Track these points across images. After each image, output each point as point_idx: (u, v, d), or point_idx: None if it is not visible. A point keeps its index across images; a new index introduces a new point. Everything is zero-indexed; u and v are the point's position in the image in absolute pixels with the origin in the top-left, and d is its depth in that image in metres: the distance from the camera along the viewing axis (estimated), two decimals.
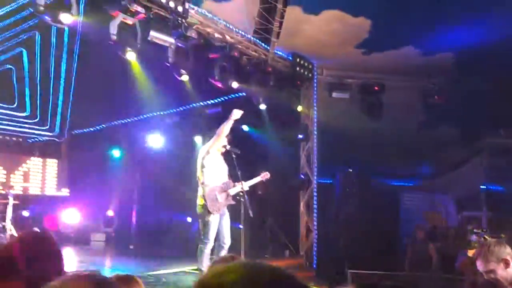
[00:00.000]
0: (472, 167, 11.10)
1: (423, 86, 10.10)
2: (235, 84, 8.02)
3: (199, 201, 6.20)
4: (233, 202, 6.44)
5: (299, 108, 10.03)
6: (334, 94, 10.00)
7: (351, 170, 10.51)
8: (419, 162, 11.56)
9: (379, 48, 8.75)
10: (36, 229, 10.61)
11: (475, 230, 7.52)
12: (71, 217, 12.38)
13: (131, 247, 10.18)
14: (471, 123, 9.90)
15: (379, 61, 9.25)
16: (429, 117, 10.34)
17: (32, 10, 5.66)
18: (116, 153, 12.67)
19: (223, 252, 6.07)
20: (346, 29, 8.18)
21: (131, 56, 6.67)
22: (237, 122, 10.68)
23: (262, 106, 9.19)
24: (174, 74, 7.13)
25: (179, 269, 7.92)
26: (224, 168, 6.46)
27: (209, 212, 6.04)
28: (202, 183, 6.20)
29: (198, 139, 10.90)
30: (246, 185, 6.46)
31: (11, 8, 6.83)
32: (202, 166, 6.23)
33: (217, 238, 6.16)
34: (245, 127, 10.74)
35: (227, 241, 6.23)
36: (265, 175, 6.86)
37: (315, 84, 9.86)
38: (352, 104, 10.15)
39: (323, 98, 10.00)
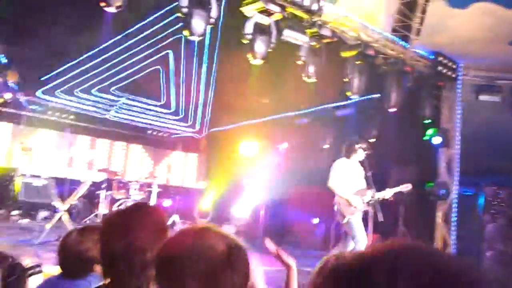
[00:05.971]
0: None
1: None
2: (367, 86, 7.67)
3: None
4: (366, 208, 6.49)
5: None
6: (482, 97, 9.02)
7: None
8: None
9: None
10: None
11: None
12: (206, 208, 13.17)
13: (258, 240, 10.48)
14: None
15: None
16: None
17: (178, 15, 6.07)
18: (249, 147, 13.03)
19: None
20: (499, 24, 7.31)
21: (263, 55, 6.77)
22: (367, 127, 10.32)
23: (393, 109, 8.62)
24: (304, 73, 7.08)
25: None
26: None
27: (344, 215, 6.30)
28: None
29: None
30: (384, 194, 6.52)
31: (160, 14, 7.47)
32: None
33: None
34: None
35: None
36: (406, 187, 6.65)
37: (459, 86, 9.01)
38: (504, 109, 9.06)
39: (468, 101, 9.11)
